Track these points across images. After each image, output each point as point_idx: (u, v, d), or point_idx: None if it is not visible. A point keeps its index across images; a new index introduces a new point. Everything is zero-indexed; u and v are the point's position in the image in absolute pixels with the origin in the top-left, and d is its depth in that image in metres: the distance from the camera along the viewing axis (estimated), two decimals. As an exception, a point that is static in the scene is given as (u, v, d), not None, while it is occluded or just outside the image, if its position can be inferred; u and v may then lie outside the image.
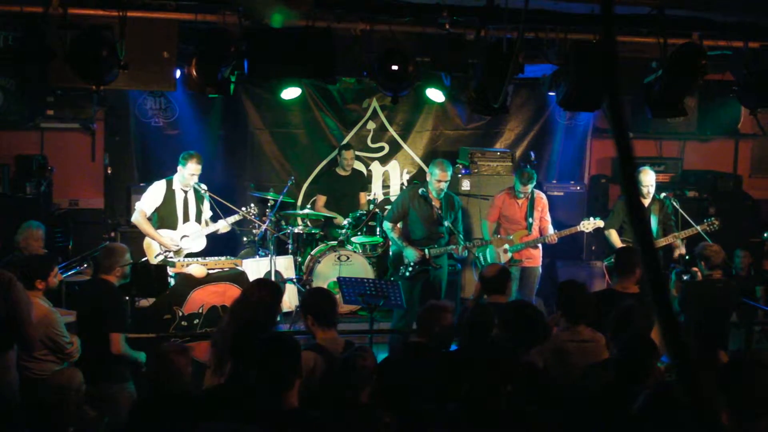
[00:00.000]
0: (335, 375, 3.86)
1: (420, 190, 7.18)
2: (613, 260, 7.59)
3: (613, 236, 7.69)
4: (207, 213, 7.23)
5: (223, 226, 7.21)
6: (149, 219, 7.01)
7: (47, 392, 3.69)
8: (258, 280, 5.21)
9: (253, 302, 4.39)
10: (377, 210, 8.66)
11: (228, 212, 7.21)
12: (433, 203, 7.11)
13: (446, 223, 7.07)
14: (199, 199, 7.15)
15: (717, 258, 6.31)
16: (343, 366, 3.77)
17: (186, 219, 7.10)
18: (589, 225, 7.40)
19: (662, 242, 7.47)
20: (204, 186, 7.12)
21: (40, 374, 5.11)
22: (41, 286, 5.26)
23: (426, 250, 7.01)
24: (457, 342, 4.73)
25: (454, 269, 8.52)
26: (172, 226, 7.04)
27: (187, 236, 7.02)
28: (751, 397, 3.12)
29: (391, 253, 7.52)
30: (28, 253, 6.30)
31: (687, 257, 7.52)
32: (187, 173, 6.99)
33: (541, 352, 4.56)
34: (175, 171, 7.13)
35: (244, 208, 7.43)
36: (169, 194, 7.04)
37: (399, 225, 7.24)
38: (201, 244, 7.14)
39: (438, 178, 7.00)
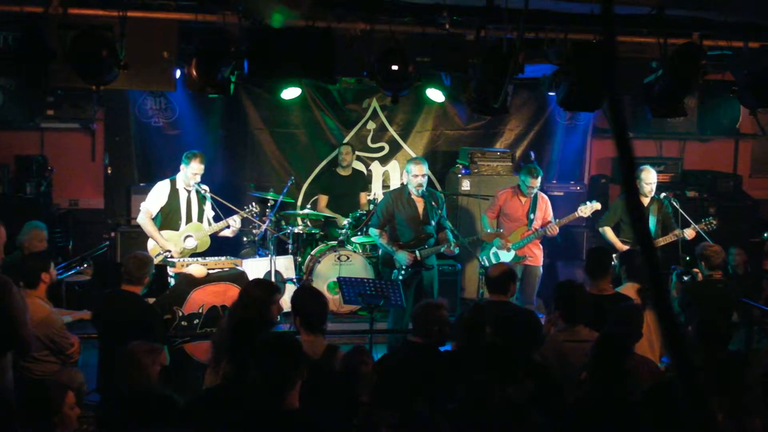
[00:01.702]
0: (336, 378, 3.87)
1: (403, 192, 7.16)
2: (613, 261, 7.61)
3: (609, 233, 7.71)
4: (209, 213, 7.21)
5: (230, 230, 7.15)
6: (153, 219, 6.99)
7: (48, 393, 3.69)
8: (254, 280, 5.19)
9: (249, 302, 4.39)
10: (376, 210, 8.67)
11: (228, 212, 7.19)
12: (417, 203, 7.09)
13: (433, 222, 7.06)
14: (201, 199, 7.14)
15: (717, 258, 6.31)
16: (345, 371, 3.77)
17: (189, 219, 7.08)
18: (587, 209, 7.40)
19: (661, 242, 7.47)
20: (205, 186, 7.10)
21: (40, 375, 5.11)
22: (47, 279, 5.28)
23: (417, 252, 6.98)
24: (455, 342, 4.74)
25: (454, 269, 8.52)
26: (175, 226, 7.02)
27: (191, 236, 7.01)
28: (742, 395, 3.12)
29: (379, 258, 7.50)
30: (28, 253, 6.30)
31: (687, 258, 7.52)
32: (190, 172, 6.97)
33: (540, 352, 4.56)
34: (176, 171, 7.12)
35: (246, 208, 7.41)
36: (173, 193, 7.02)
37: (387, 230, 7.20)
38: (205, 244, 7.13)
39: (414, 173, 6.98)
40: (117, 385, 3.99)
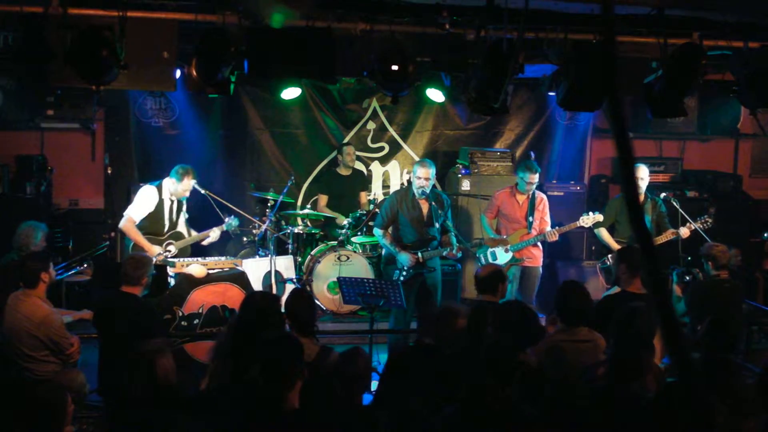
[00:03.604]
0: (331, 379, 3.86)
1: (408, 193, 7.15)
2: (608, 261, 7.62)
3: (604, 234, 7.74)
4: (184, 218, 7.32)
5: (207, 240, 7.26)
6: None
7: (48, 393, 3.69)
8: (258, 292, 5.19)
9: (254, 306, 4.42)
10: (377, 210, 8.65)
11: (226, 212, 7.28)
12: (421, 205, 7.08)
13: (437, 225, 7.04)
14: (179, 206, 7.22)
15: (724, 258, 6.30)
16: (340, 372, 3.76)
17: (172, 227, 7.15)
18: (588, 220, 7.40)
19: (656, 241, 7.48)
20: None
21: (41, 375, 5.12)
22: (47, 279, 5.29)
23: (420, 254, 6.96)
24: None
25: (454, 269, 8.51)
26: (158, 232, 7.06)
27: (172, 243, 7.06)
28: (733, 397, 3.12)
29: (382, 257, 7.49)
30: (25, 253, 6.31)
31: (689, 258, 7.52)
32: (181, 188, 7.05)
33: (539, 352, 4.56)
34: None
35: (228, 217, 7.37)
36: (160, 203, 7.08)
37: (390, 230, 7.19)
38: (185, 253, 7.22)
39: (419, 175, 6.92)
40: (130, 387, 3.91)
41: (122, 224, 6.98)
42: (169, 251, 6.97)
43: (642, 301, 4.88)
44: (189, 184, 7.04)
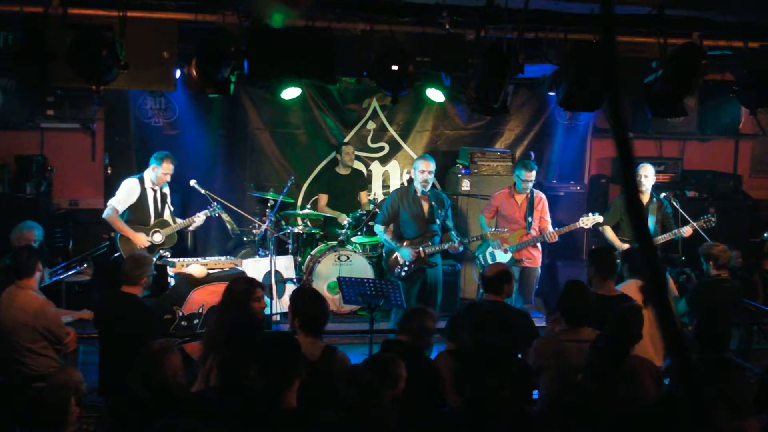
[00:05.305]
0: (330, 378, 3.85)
1: (409, 190, 7.17)
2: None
3: (608, 232, 7.73)
4: (169, 209, 7.40)
5: (193, 226, 7.37)
6: (121, 215, 7.12)
7: (46, 392, 3.69)
8: (236, 278, 5.21)
9: (232, 298, 4.43)
10: (377, 210, 8.65)
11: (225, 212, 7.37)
12: (422, 202, 7.09)
13: (438, 222, 7.06)
14: (163, 197, 7.32)
15: (725, 257, 6.30)
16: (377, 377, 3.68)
17: (157, 216, 7.26)
18: (588, 221, 7.41)
19: (660, 240, 7.48)
20: (166, 190, 7.32)
21: (39, 371, 5.10)
22: (41, 268, 5.33)
23: (421, 249, 6.99)
24: (451, 343, 4.77)
25: (454, 269, 8.52)
26: (145, 222, 7.18)
27: (159, 231, 7.13)
28: (730, 397, 3.13)
29: (384, 254, 7.51)
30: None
31: (684, 258, 7.52)
32: (161, 173, 7.14)
33: (542, 352, 4.57)
34: (175, 171, 7.19)
35: (207, 208, 7.41)
36: (143, 193, 7.18)
37: (391, 227, 7.21)
38: (172, 240, 7.30)
39: (421, 168, 6.99)
40: (139, 387, 3.87)
41: (106, 214, 7.11)
42: (156, 239, 7.06)
43: (616, 304, 4.88)
44: (169, 168, 7.14)
